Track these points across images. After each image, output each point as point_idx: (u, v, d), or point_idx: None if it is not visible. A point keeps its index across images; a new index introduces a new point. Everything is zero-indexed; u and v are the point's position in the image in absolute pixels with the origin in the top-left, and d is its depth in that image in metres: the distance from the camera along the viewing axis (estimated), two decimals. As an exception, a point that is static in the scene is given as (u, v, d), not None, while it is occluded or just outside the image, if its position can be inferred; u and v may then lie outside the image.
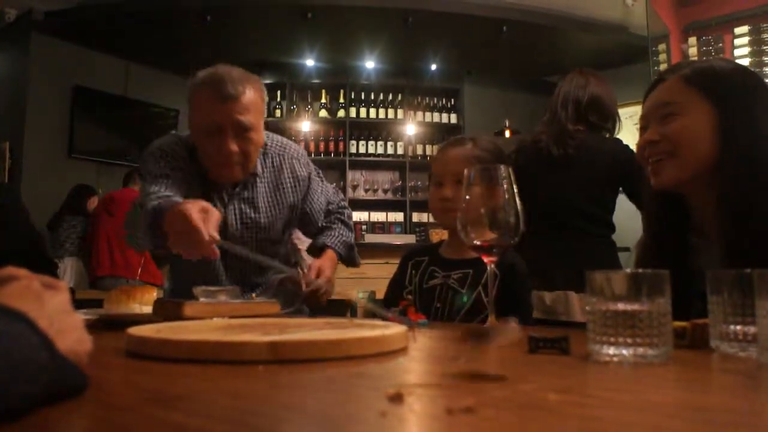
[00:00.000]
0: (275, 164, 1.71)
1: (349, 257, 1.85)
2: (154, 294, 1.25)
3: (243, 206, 1.64)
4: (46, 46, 5.26)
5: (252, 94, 1.51)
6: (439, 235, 4.19)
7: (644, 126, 1.13)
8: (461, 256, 1.46)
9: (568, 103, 2.25)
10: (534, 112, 6.59)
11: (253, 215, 1.65)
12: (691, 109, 1.06)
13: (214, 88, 1.48)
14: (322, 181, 1.89)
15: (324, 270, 1.65)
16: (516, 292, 1.35)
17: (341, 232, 1.82)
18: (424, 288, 1.46)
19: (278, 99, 6.31)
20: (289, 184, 1.73)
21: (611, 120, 2.31)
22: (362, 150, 6.28)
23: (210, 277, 1.59)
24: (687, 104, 1.07)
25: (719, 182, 1.03)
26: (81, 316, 0.61)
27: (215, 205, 1.49)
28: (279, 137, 1.82)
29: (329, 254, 1.74)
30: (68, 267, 4.66)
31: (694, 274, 0.95)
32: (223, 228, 1.53)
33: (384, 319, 1.05)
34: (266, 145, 1.70)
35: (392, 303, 1.39)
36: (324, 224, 1.84)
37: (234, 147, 1.49)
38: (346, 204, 1.95)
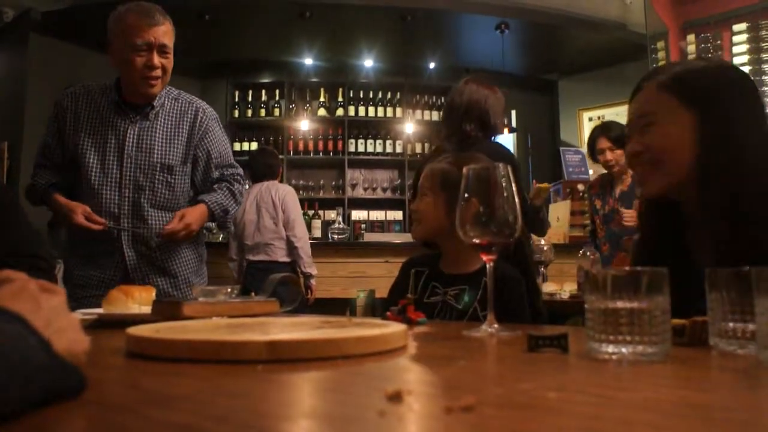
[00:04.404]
0: (183, 108, 2.02)
1: (221, 220, 2.05)
2: (152, 294, 1.25)
3: (141, 133, 1.94)
4: (44, 46, 5.25)
5: (169, 26, 1.91)
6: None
7: (629, 135, 1.14)
8: (457, 271, 1.47)
9: (471, 110, 2.40)
10: (533, 110, 6.63)
11: (148, 141, 1.94)
12: (668, 117, 1.06)
13: (145, 15, 1.86)
14: (223, 135, 2.11)
15: (186, 216, 1.91)
16: (509, 300, 1.35)
17: (223, 195, 2.02)
18: (424, 302, 1.46)
19: (277, 98, 6.31)
20: (188, 122, 2.01)
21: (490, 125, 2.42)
22: (361, 149, 6.27)
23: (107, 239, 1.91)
24: (665, 112, 1.06)
25: (701, 186, 1.03)
26: (78, 317, 0.61)
27: (123, 127, 1.93)
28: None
29: (201, 207, 1.97)
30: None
31: (694, 272, 0.95)
32: (121, 150, 1.92)
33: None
34: (180, 92, 2.06)
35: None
36: (211, 185, 2.05)
37: (158, 62, 1.87)
38: (240, 177, 2.12)
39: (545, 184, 2.98)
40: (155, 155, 1.93)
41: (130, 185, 1.91)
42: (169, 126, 1.98)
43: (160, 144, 1.95)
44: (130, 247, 1.92)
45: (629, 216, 3.36)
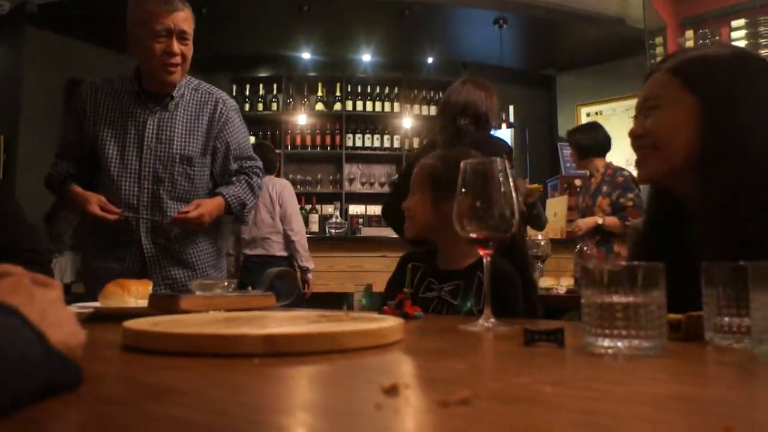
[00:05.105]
0: (203, 98, 2.00)
1: (238, 213, 2.03)
2: (149, 287, 1.25)
3: (161, 124, 1.92)
4: (40, 39, 5.22)
5: (189, 12, 1.88)
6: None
7: (635, 117, 1.13)
8: (451, 267, 1.47)
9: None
10: (531, 105, 6.62)
11: (168, 132, 1.92)
12: (672, 102, 1.05)
13: (164, 1, 1.82)
14: (243, 126, 2.10)
15: (200, 206, 1.88)
16: (504, 295, 1.35)
17: (241, 188, 2.00)
18: (419, 297, 1.46)
19: (274, 92, 6.29)
20: (208, 112, 1.98)
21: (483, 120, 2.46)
22: (358, 143, 6.27)
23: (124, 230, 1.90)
24: (669, 97, 1.05)
25: (702, 174, 1.02)
26: (74, 310, 0.61)
27: (142, 118, 1.91)
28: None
29: (217, 200, 1.95)
30: (68, 261, 4.64)
31: (693, 269, 0.94)
32: (140, 141, 1.89)
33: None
34: (200, 83, 2.03)
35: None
36: (230, 177, 2.03)
37: (177, 49, 1.84)
38: (259, 170, 2.10)
39: (537, 185, 3.02)
40: (175, 146, 1.91)
41: (150, 177, 1.89)
42: (189, 117, 1.95)
43: (179, 135, 1.93)
44: (148, 239, 1.90)
45: (578, 228, 3.55)
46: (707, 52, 1.10)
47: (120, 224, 1.86)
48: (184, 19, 1.85)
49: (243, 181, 2.02)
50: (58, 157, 2.00)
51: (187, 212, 1.85)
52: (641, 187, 3.52)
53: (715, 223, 1.00)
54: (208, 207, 1.90)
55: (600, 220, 3.44)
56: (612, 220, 3.42)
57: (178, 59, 1.85)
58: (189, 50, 1.89)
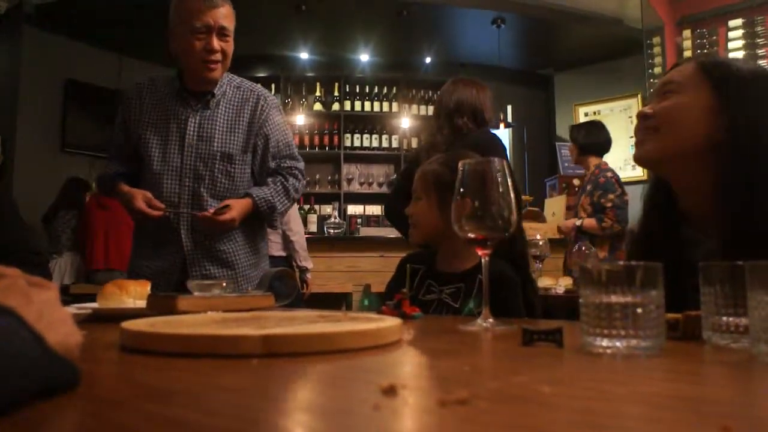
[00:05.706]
0: (244, 95, 1.99)
1: (268, 216, 2.00)
2: (147, 288, 1.25)
3: (202, 122, 1.92)
4: (37, 40, 5.22)
5: (229, 9, 1.90)
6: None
7: (650, 98, 1.14)
8: (452, 269, 1.47)
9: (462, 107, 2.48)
10: (529, 105, 6.62)
11: (209, 130, 1.91)
12: (689, 91, 1.06)
13: None
14: (284, 124, 2.07)
15: (231, 208, 1.86)
16: (505, 299, 1.35)
17: (274, 190, 1.97)
18: (419, 300, 1.46)
19: (272, 92, 6.28)
20: (249, 109, 1.97)
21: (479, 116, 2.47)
22: (357, 143, 6.27)
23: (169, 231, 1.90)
24: (688, 86, 1.06)
25: (717, 169, 1.01)
26: (70, 311, 0.61)
27: (184, 116, 1.91)
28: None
29: (246, 201, 1.92)
30: (67, 262, 4.63)
31: (688, 267, 0.94)
32: (182, 139, 1.89)
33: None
34: (242, 80, 2.03)
35: None
36: (267, 176, 2.00)
37: (217, 45, 1.85)
38: (299, 172, 2.06)
39: (526, 197, 3.06)
40: (215, 144, 1.91)
41: (191, 174, 1.89)
42: (230, 114, 1.95)
43: (220, 133, 1.92)
44: (189, 237, 1.90)
45: (560, 231, 3.70)
46: (739, 63, 1.11)
47: (163, 221, 1.87)
48: (224, 15, 1.85)
49: (278, 183, 1.99)
50: (108, 159, 2.03)
51: (220, 211, 1.84)
52: (625, 188, 3.57)
53: (728, 221, 0.99)
54: (238, 209, 1.88)
55: (578, 222, 3.51)
56: (589, 222, 3.51)
57: (218, 56, 1.85)
58: (230, 47, 1.89)
